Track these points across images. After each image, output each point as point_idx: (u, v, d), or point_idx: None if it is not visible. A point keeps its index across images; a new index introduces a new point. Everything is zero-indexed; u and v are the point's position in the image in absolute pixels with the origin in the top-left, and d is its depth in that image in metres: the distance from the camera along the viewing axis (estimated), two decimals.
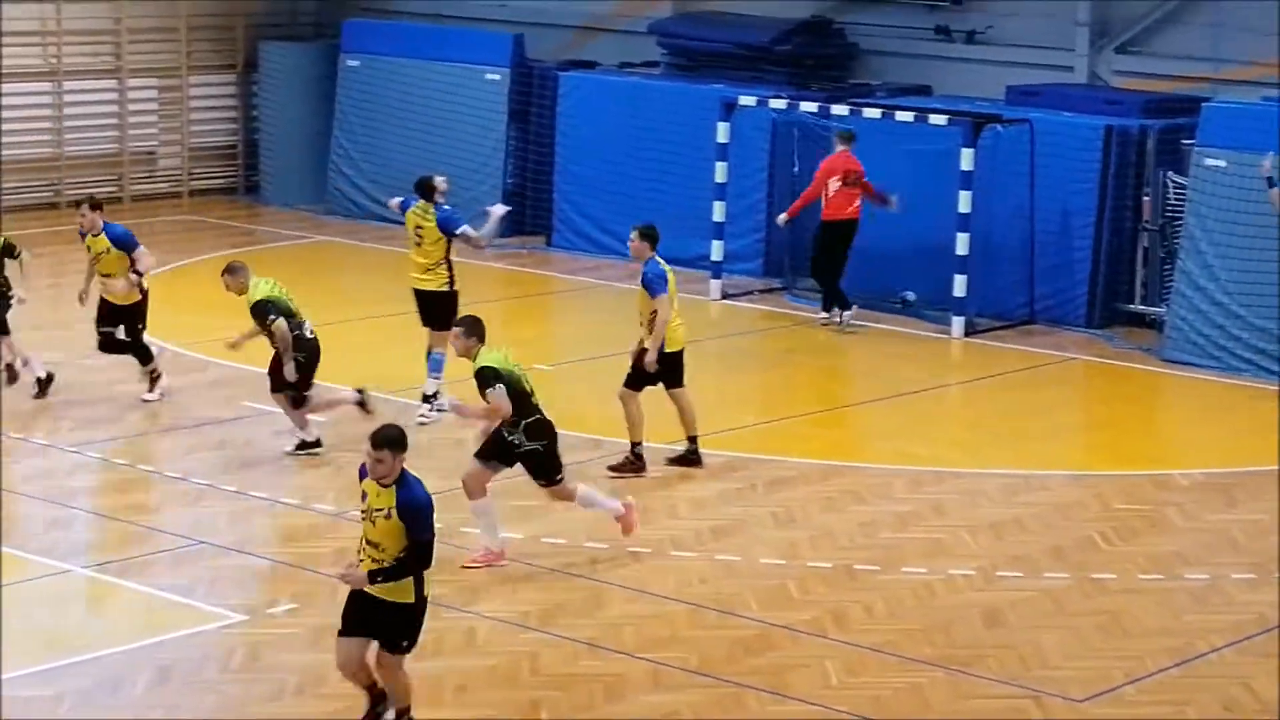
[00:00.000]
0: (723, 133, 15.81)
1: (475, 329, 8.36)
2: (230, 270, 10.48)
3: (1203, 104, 14.45)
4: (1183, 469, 11.05)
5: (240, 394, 11.84)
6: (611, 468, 10.26)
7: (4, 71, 19.67)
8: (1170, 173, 14.70)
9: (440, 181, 11.67)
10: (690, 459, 10.47)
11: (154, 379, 11.69)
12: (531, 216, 18.65)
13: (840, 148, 14.79)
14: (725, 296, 16.05)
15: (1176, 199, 14.59)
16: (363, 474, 5.74)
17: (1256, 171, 12.74)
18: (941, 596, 8.24)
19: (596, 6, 19.64)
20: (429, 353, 11.34)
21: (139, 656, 7.21)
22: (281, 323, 10.02)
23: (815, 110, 15.69)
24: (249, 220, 20.55)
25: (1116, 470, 11.30)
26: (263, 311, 10.12)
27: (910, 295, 15.33)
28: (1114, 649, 7.46)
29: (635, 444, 10.25)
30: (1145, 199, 14.96)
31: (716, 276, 16.10)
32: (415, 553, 5.59)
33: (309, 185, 20.63)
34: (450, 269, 11.36)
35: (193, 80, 21.66)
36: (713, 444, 10.84)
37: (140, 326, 11.64)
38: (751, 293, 16.33)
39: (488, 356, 8.26)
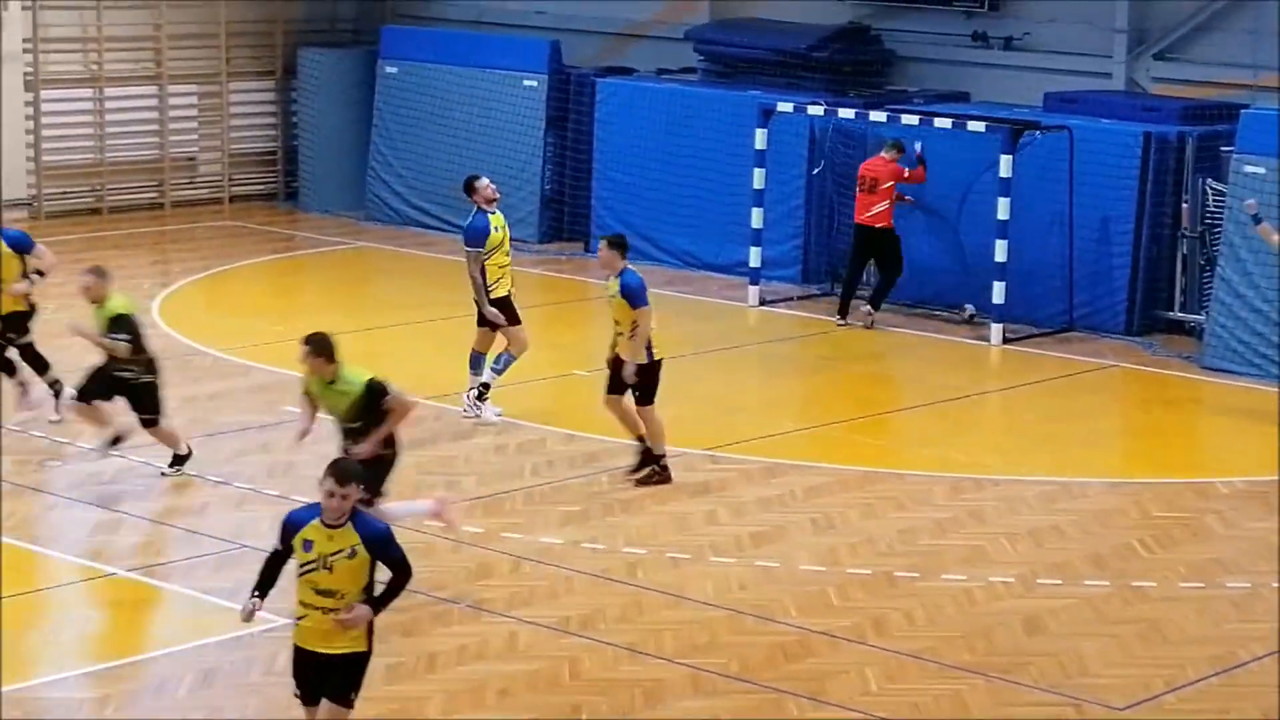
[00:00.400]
0: (760, 139, 15.83)
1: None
2: (97, 273, 10.10)
3: (1241, 110, 14.33)
4: (1223, 477, 10.96)
5: (282, 399, 11.98)
6: (639, 480, 10.24)
7: (46, 78, 20.08)
8: (1209, 179, 14.58)
9: (484, 186, 11.66)
10: (656, 476, 10.10)
11: (24, 389, 11.19)
12: (569, 223, 18.79)
13: (883, 154, 14.90)
14: (763, 303, 16.08)
15: (1215, 206, 14.47)
16: (297, 524, 5.18)
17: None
18: (981, 604, 8.23)
19: (634, 13, 19.74)
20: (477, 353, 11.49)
21: (183, 659, 7.38)
22: (125, 346, 9.86)
23: (853, 117, 15.72)
24: (288, 226, 20.80)
25: (1156, 478, 11.24)
26: (121, 326, 9.83)
27: (970, 308, 15.27)
28: (1154, 657, 7.43)
29: (659, 455, 10.19)
30: (1184, 206, 14.85)
31: (754, 283, 16.13)
32: (400, 572, 5.30)
33: (348, 191, 20.85)
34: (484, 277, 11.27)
35: (232, 86, 21.94)
36: (752, 450, 10.89)
37: (14, 336, 11.03)
38: (790, 299, 16.35)
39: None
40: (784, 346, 15.18)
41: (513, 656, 7.46)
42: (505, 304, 11.40)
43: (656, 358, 9.77)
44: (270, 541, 5.44)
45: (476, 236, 11.37)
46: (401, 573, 5.31)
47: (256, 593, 5.34)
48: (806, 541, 9.38)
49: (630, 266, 10.15)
